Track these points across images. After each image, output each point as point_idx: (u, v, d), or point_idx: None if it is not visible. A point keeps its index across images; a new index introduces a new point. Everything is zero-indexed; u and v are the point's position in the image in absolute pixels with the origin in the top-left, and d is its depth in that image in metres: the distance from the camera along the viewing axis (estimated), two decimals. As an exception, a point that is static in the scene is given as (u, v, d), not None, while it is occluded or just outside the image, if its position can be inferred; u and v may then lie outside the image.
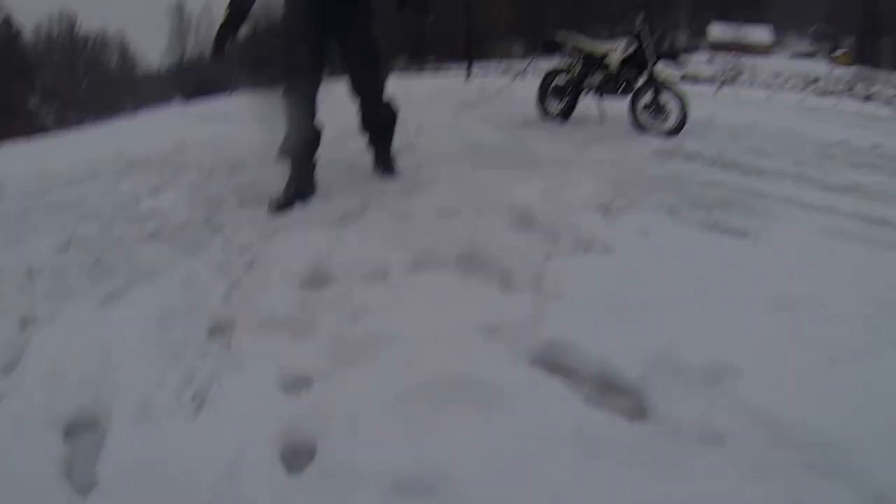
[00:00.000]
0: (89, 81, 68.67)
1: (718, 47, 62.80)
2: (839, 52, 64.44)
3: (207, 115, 14.58)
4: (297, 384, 1.54)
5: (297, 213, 2.91)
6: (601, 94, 6.16)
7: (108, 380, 1.61)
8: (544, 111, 6.52)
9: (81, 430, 1.48)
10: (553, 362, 1.59)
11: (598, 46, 6.23)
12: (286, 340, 1.74)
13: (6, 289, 2.40)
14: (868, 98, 27.50)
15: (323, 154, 3.46)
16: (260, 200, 3.21)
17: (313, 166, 3.23)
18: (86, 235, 3.05)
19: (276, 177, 3.46)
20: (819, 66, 47.67)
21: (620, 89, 5.96)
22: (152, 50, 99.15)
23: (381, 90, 3.31)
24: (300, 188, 3.07)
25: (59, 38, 68.62)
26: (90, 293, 2.23)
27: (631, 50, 5.81)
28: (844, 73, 45.01)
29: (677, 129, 5.28)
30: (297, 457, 1.32)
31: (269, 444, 1.33)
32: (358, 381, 1.50)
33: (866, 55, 60.95)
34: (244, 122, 8.67)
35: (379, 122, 3.39)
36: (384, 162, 3.48)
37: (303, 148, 3.15)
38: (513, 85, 8.36)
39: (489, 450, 1.27)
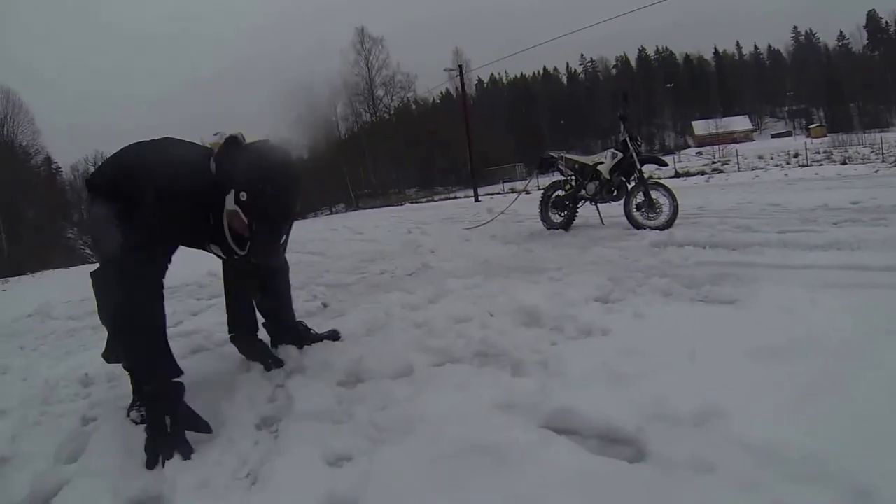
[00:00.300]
0: None
1: (704, 142, 65.14)
2: (813, 126, 66.88)
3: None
4: (338, 460, 1.73)
5: (328, 327, 3.13)
6: (597, 202, 6.57)
7: (168, 464, 1.81)
8: (548, 222, 6.90)
9: (147, 504, 1.67)
10: (560, 426, 1.76)
11: (588, 159, 6.69)
12: (327, 428, 1.93)
13: (64, 394, 2.68)
14: (845, 161, 28.08)
15: (348, 276, 3.82)
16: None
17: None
18: None
19: (305, 300, 3.88)
20: (797, 142, 49.09)
21: (614, 194, 6.35)
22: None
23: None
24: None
25: None
26: None
27: (618, 158, 6.25)
28: (821, 142, 46.18)
29: (670, 222, 5.59)
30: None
31: (318, 506, 1.51)
32: (393, 454, 1.67)
33: (838, 123, 62.82)
34: None
35: None
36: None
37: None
38: (517, 202, 8.75)
39: (509, 495, 1.44)
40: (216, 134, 2.52)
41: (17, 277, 28.96)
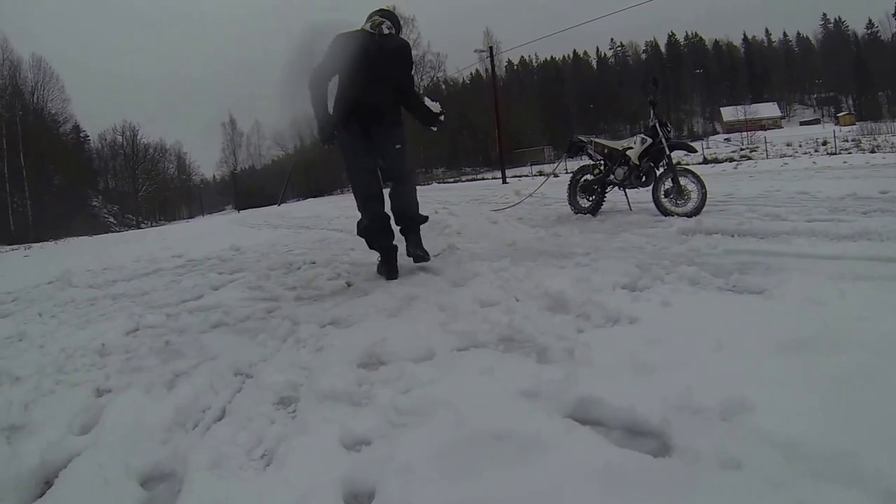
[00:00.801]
0: (147, 187, 74.52)
1: (733, 128, 64.24)
2: (842, 114, 65.63)
3: (259, 223, 15.42)
4: (357, 443, 1.73)
5: (353, 306, 3.20)
6: (626, 187, 6.51)
7: (183, 440, 1.84)
8: (575, 207, 6.87)
9: (159, 480, 1.69)
10: (584, 416, 1.74)
11: (617, 144, 6.63)
12: (346, 409, 1.94)
13: (80, 363, 2.73)
14: (874, 150, 27.47)
15: (372, 255, 4.19)
16: (315, 298, 3.58)
17: (395, 255, 4.20)
18: (153, 322, 3.41)
19: (329, 277, 3.87)
20: (826, 130, 48.25)
21: (643, 180, 6.29)
22: (207, 161, 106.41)
23: (412, 190, 4.22)
24: (390, 273, 4.07)
25: (122, 146, 74.69)
26: (160, 370, 2.50)
27: (647, 144, 6.18)
28: (850, 131, 45.23)
29: (698, 209, 5.53)
30: (357, 500, 1.50)
31: (333, 490, 1.50)
32: (412, 439, 1.67)
33: (867, 111, 61.56)
34: (294, 230, 9.26)
35: (409, 216, 4.16)
36: (415, 248, 4.21)
37: (384, 243, 4.17)
38: (545, 186, 8.71)
39: (530, 487, 1.43)
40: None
41: (40, 244, 29.75)
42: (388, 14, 4.26)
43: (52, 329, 3.70)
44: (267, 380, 2.24)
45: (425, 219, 4.34)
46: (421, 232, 4.28)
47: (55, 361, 2.81)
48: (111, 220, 61.14)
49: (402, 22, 4.61)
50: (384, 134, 4.07)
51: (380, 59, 3.99)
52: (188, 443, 1.81)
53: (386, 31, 4.09)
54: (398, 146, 4.14)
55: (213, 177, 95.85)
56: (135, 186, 74.05)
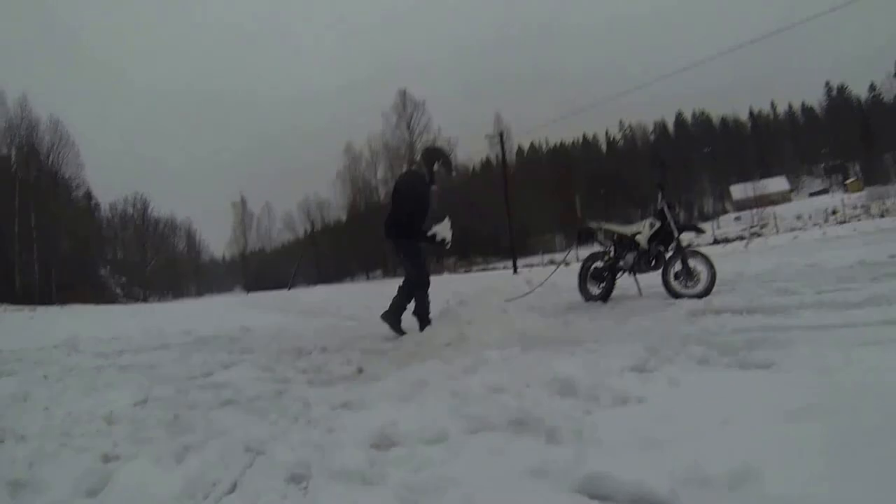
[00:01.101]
0: (156, 261, 74.77)
1: (742, 206, 64.76)
2: (850, 180, 66.00)
3: (268, 306, 15.42)
4: None
5: (365, 391, 3.23)
6: (636, 272, 6.60)
7: None
8: (586, 294, 6.94)
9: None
10: (593, 491, 1.75)
11: (626, 228, 6.77)
12: (358, 487, 1.95)
13: (87, 429, 2.73)
14: (883, 214, 27.46)
15: (384, 343, 4.53)
16: (327, 382, 3.61)
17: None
18: (162, 395, 3.41)
19: (340, 363, 3.94)
20: (835, 198, 48.45)
21: (653, 264, 6.38)
22: (216, 240, 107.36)
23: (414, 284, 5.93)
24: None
25: (132, 218, 75.38)
26: (169, 442, 2.51)
27: (656, 227, 6.31)
28: (859, 197, 45.39)
29: (708, 290, 5.58)
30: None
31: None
32: None
33: (874, 176, 61.80)
34: (304, 315, 9.29)
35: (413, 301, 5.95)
36: (421, 323, 5.75)
37: (427, 317, 5.81)
38: (556, 274, 8.80)
39: None
40: None
41: (45, 306, 29.67)
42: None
43: (57, 393, 3.71)
44: (278, 457, 2.26)
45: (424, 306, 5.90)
46: (427, 318, 5.78)
47: (60, 425, 2.82)
48: (118, 290, 61.39)
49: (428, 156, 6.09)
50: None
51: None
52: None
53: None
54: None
55: (223, 256, 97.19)
56: (144, 259, 74.42)
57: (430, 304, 5.94)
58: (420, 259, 5.99)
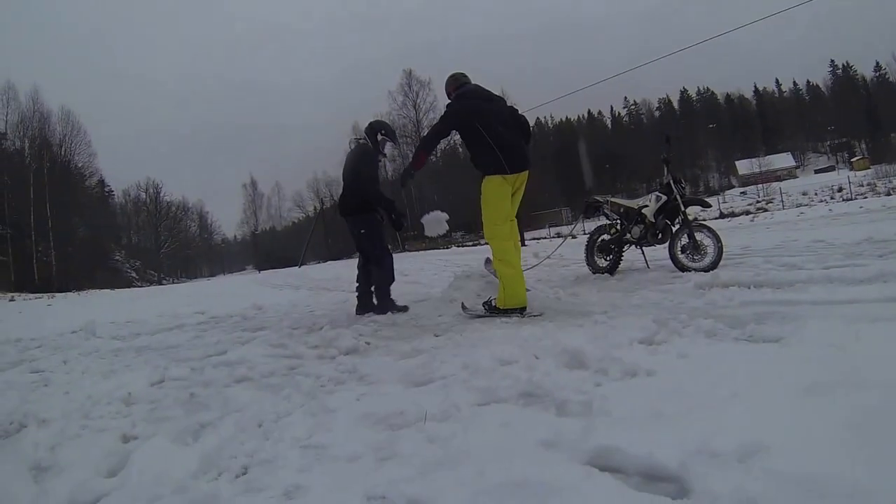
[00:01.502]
0: (169, 243, 76.19)
1: (748, 181, 64.39)
2: (856, 159, 65.54)
3: (279, 284, 15.53)
4: (381, 493, 1.75)
5: (375, 365, 3.26)
6: (642, 245, 6.59)
7: (210, 486, 1.89)
8: (593, 267, 6.94)
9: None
10: (603, 463, 1.77)
11: (633, 203, 6.74)
12: (371, 460, 1.99)
13: (106, 410, 2.79)
14: (889, 193, 27.32)
15: (393, 317, 4.76)
16: (338, 356, 3.63)
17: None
18: (178, 375, 3.47)
19: (349, 338, 3.96)
20: (841, 176, 48.04)
21: (659, 237, 6.37)
22: (228, 221, 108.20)
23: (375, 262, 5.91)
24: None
25: (146, 203, 76.54)
26: (186, 420, 2.56)
27: (662, 201, 6.29)
28: (864, 175, 45.09)
29: (715, 263, 5.57)
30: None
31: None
32: (437, 487, 1.71)
33: (881, 154, 61.33)
34: (315, 291, 9.44)
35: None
36: (380, 299, 5.83)
37: (387, 291, 5.84)
38: (563, 247, 8.79)
39: None
40: None
41: (63, 294, 30.00)
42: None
43: (77, 377, 3.79)
44: (292, 432, 2.30)
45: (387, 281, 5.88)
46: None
47: (81, 407, 2.87)
48: (133, 275, 62.10)
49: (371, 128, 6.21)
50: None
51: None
52: (216, 489, 1.87)
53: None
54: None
55: (235, 236, 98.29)
56: (157, 243, 75.73)
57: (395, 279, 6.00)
58: (375, 233, 5.95)
